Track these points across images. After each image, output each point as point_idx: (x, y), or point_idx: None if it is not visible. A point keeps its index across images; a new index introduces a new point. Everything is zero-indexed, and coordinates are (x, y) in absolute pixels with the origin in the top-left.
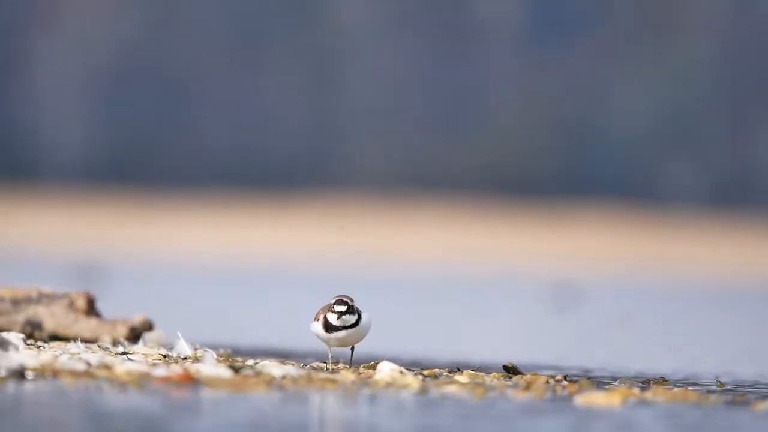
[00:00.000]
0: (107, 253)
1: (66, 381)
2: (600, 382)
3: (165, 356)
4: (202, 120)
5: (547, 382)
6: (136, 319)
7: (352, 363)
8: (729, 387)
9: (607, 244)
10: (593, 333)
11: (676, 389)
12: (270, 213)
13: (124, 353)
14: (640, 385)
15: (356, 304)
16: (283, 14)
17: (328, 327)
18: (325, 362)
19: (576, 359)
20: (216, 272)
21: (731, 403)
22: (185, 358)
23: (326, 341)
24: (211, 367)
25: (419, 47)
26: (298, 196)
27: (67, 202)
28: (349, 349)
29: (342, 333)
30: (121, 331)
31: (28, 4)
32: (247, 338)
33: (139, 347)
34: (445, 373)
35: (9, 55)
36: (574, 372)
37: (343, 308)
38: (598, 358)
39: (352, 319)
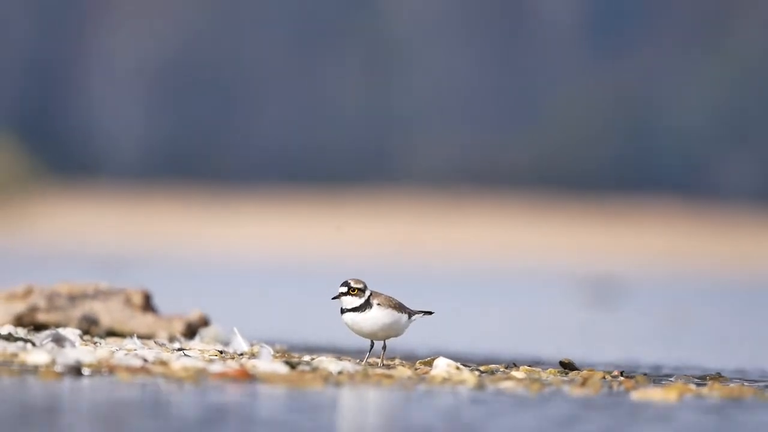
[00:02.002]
0: (165, 250)
1: (122, 377)
2: (656, 378)
3: (221, 352)
4: (261, 117)
5: (604, 377)
6: (193, 315)
7: (370, 357)
8: None
9: (665, 240)
10: (644, 329)
11: (732, 385)
12: (328, 209)
13: (180, 349)
14: (696, 381)
15: (368, 292)
16: (342, 11)
17: (342, 310)
18: (378, 358)
19: (627, 355)
20: (274, 268)
21: None
22: (242, 354)
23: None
24: (267, 363)
25: (477, 43)
26: (355, 192)
27: (126, 199)
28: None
29: (348, 317)
30: (178, 327)
31: (86, 2)
32: (303, 334)
33: (195, 343)
34: (501, 369)
35: (68, 53)
36: (624, 368)
37: (344, 289)
38: (650, 354)
39: (354, 302)
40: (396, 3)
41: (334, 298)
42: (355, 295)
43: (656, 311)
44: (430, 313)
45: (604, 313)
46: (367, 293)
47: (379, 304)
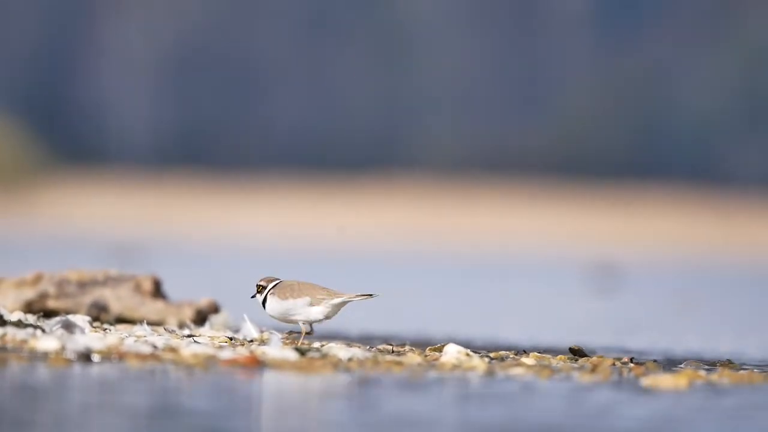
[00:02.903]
0: (175, 236)
1: (132, 364)
2: (666, 365)
3: (231, 339)
4: (270, 103)
5: (614, 364)
6: (203, 301)
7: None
8: None
9: (675, 226)
10: (653, 315)
11: (742, 372)
12: (338, 195)
13: (190, 336)
14: (707, 367)
15: (272, 284)
16: None
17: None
18: (390, 344)
19: (637, 342)
20: (284, 255)
21: None
22: (251, 341)
23: None
24: (277, 350)
25: (489, 29)
26: (367, 178)
27: (136, 185)
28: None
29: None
30: (188, 314)
31: None
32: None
33: (205, 330)
34: (511, 356)
35: (77, 39)
36: (634, 354)
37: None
38: (660, 341)
39: (262, 296)
40: None
41: (252, 297)
42: (260, 291)
43: (666, 297)
44: (369, 296)
45: (613, 299)
46: (270, 286)
47: (272, 294)
